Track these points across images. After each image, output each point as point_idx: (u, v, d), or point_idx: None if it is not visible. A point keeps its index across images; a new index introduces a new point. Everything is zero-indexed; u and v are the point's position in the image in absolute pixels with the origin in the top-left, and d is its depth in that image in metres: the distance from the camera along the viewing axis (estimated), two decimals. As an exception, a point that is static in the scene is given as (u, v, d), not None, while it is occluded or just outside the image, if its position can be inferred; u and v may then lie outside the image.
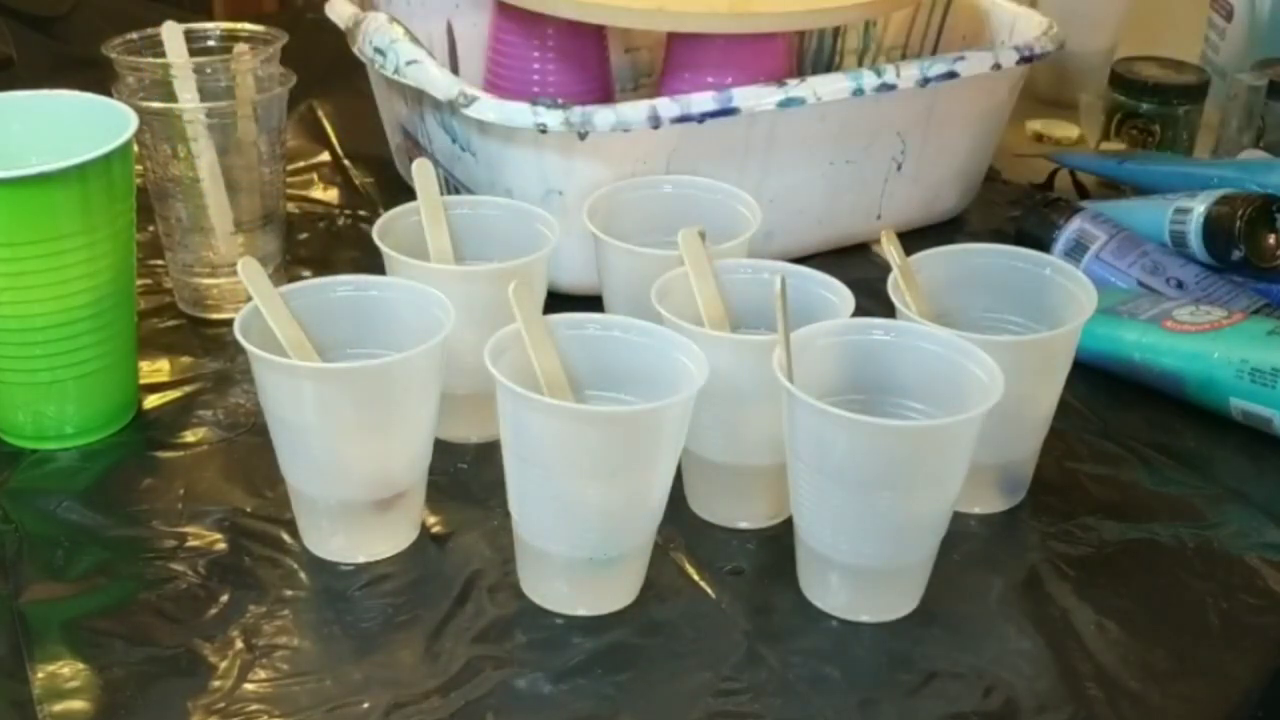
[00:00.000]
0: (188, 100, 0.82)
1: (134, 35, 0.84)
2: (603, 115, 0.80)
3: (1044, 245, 0.88)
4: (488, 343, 0.61)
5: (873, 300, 0.74)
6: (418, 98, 0.89)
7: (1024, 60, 0.92)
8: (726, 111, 0.83)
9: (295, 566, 0.66)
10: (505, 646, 0.62)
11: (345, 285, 0.69)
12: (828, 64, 1.09)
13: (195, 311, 0.87)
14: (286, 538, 0.68)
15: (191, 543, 0.68)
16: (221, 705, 0.58)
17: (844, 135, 0.90)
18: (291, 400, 0.63)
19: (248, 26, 0.88)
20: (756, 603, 0.65)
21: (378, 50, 0.89)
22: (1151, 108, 1.08)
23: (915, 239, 0.77)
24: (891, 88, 0.87)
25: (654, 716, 0.59)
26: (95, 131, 0.71)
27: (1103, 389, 0.81)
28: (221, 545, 0.68)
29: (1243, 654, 0.63)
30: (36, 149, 0.74)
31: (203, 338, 0.85)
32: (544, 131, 0.80)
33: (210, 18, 1.17)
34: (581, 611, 0.64)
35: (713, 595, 0.65)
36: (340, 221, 1.01)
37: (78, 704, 0.58)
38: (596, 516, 0.61)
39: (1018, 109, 1.01)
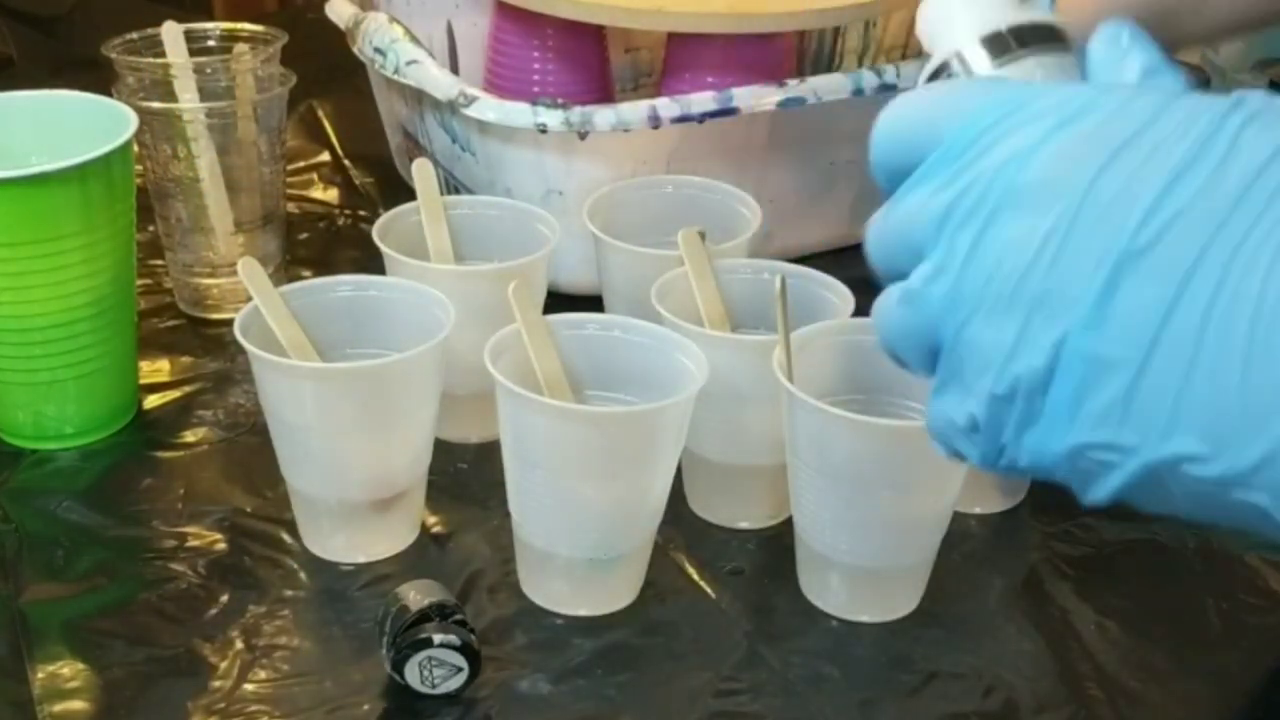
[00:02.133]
0: (188, 100, 0.82)
1: (134, 35, 0.84)
2: (603, 115, 0.80)
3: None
4: (488, 343, 0.62)
5: (873, 300, 0.74)
6: (418, 98, 0.89)
7: (1024, 60, 0.92)
8: (726, 111, 0.83)
9: (295, 566, 0.66)
10: (505, 647, 0.62)
11: (345, 285, 0.69)
12: (828, 64, 1.09)
13: (195, 311, 0.87)
14: (286, 538, 0.68)
15: (191, 543, 0.68)
16: (221, 705, 0.58)
17: (844, 135, 0.90)
18: (291, 400, 0.63)
19: (248, 26, 0.88)
20: (756, 603, 0.65)
21: (378, 50, 0.89)
22: (1151, 107, 1.07)
23: (915, 239, 0.77)
24: (891, 88, 0.87)
25: (654, 717, 0.59)
26: (95, 131, 0.71)
27: (1103, 389, 0.81)
28: (221, 545, 0.68)
29: (1243, 654, 0.63)
30: (36, 149, 0.74)
31: (203, 338, 0.85)
32: (544, 131, 0.80)
33: (210, 18, 1.18)
34: (582, 612, 0.64)
35: (713, 595, 0.65)
36: (340, 221, 1.01)
37: (78, 704, 0.58)
38: (596, 517, 0.61)
39: (1018, 109, 1.01)
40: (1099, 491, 0.38)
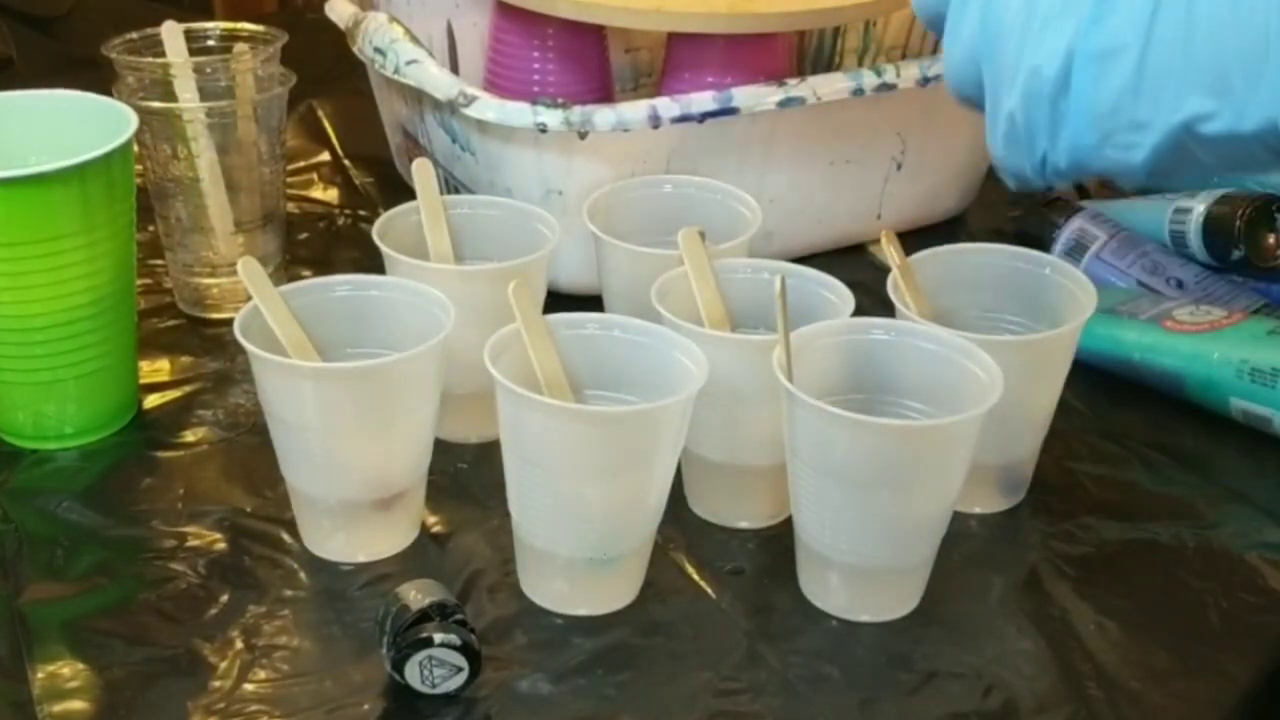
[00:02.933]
0: (188, 100, 0.82)
1: (134, 35, 0.84)
2: (603, 115, 0.80)
3: (1044, 245, 0.88)
4: (487, 342, 0.62)
5: (872, 300, 0.74)
6: (417, 98, 0.89)
7: (1024, 60, 0.92)
8: (726, 111, 0.83)
9: (295, 566, 0.66)
10: (505, 647, 0.62)
11: (345, 285, 0.69)
12: (828, 64, 1.09)
13: (195, 311, 0.87)
14: (286, 538, 0.68)
15: (191, 543, 0.68)
16: (221, 705, 0.58)
17: (844, 135, 0.90)
18: (291, 400, 0.63)
19: (248, 26, 0.88)
20: (756, 602, 0.65)
21: (378, 50, 0.89)
22: (1151, 107, 1.08)
23: (915, 239, 0.77)
24: (891, 87, 0.87)
25: (654, 716, 0.59)
26: (95, 131, 0.71)
27: (1103, 389, 0.81)
28: (221, 545, 0.68)
29: (1243, 654, 0.63)
30: (36, 149, 0.74)
31: (203, 338, 0.85)
32: (544, 131, 0.80)
33: (210, 18, 1.17)
34: (581, 611, 0.64)
35: (713, 595, 0.65)
36: (340, 221, 1.01)
37: (78, 704, 0.58)
38: (596, 516, 0.61)
39: (1018, 109, 1.01)
40: (1133, 171, 0.44)
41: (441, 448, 0.70)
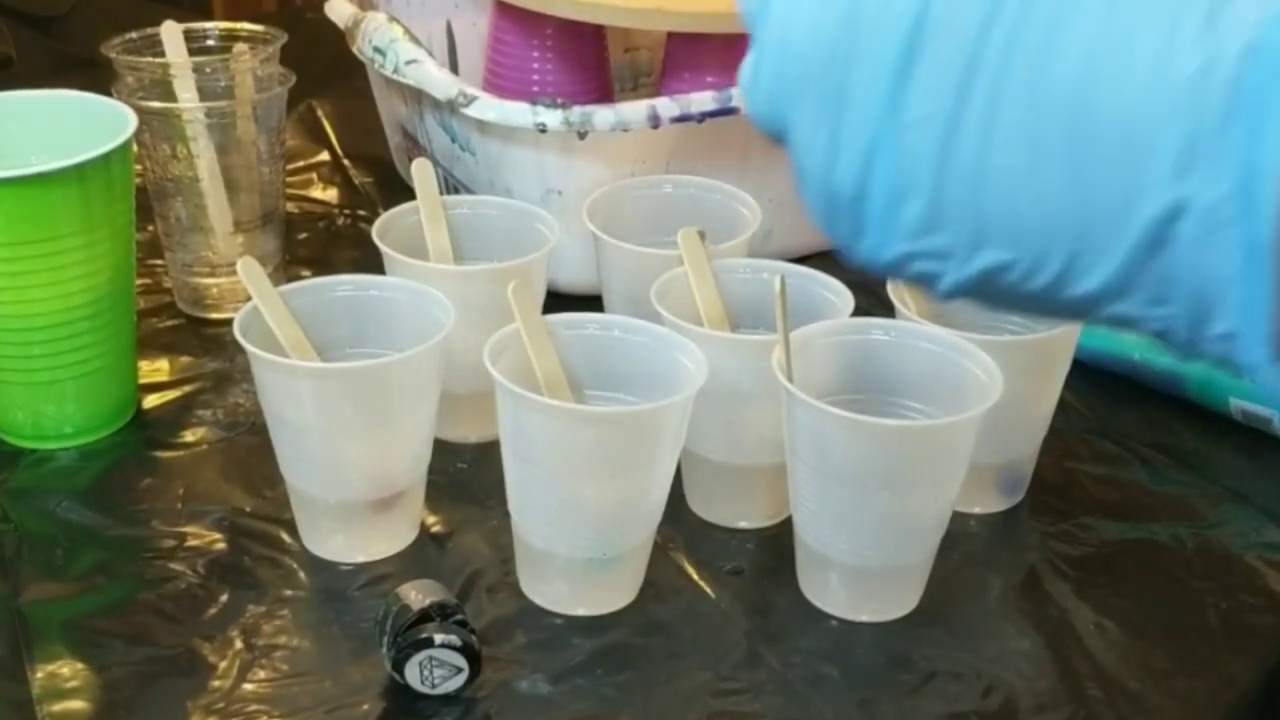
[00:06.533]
0: (187, 100, 0.82)
1: (133, 35, 0.84)
2: (602, 115, 0.80)
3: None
4: (487, 343, 0.62)
5: (872, 300, 0.74)
6: (417, 97, 0.89)
7: (1024, 60, 0.92)
8: (726, 111, 0.83)
9: (295, 566, 0.66)
10: (505, 647, 0.62)
11: (345, 285, 0.69)
12: (827, 64, 1.09)
13: (195, 311, 0.87)
14: (286, 537, 0.68)
15: (191, 542, 0.68)
16: (221, 705, 0.58)
17: (844, 135, 0.90)
18: (291, 400, 0.63)
19: (247, 26, 0.88)
20: (756, 602, 0.65)
21: (377, 50, 0.89)
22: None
23: (915, 239, 0.77)
24: (891, 88, 0.87)
25: (654, 716, 0.59)
26: (95, 131, 0.71)
27: (1103, 389, 0.81)
28: (221, 545, 0.68)
29: (1242, 654, 0.63)
30: (36, 149, 0.74)
31: (202, 337, 0.85)
32: (543, 131, 0.80)
33: (210, 18, 1.17)
34: (581, 611, 0.64)
35: (712, 595, 0.65)
36: (340, 221, 1.01)
37: (77, 704, 0.58)
38: (596, 516, 0.61)
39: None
40: (938, 293, 0.37)
41: (441, 448, 0.70)
